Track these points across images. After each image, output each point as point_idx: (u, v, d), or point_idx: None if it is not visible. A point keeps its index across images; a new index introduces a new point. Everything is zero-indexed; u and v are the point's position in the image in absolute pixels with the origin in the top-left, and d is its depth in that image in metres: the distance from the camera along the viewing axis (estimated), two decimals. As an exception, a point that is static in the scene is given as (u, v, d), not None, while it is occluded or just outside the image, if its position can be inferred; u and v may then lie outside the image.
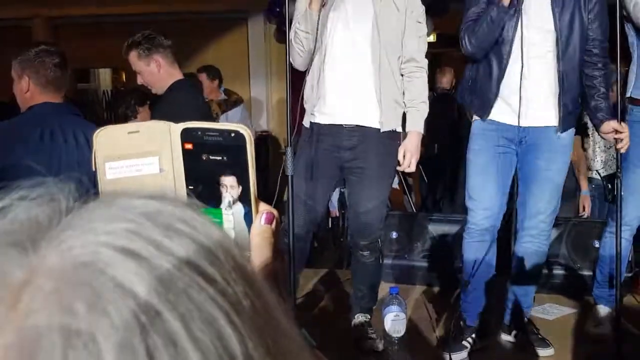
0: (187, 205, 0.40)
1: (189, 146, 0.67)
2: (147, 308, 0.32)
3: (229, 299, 0.35)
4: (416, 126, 3.00)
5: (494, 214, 3.00)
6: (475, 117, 3.05)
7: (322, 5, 2.86)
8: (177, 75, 3.24)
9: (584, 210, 4.62)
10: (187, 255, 0.35)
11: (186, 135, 0.67)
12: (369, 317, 3.29)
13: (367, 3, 2.91)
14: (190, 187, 0.69)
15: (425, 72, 3.03)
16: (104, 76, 11.05)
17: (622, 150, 2.88)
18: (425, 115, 3.03)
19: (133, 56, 3.18)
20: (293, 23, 2.92)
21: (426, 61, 3.03)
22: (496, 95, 2.90)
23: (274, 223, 0.66)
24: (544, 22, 2.84)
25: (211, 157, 0.67)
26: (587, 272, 3.83)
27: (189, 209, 0.39)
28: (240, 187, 0.67)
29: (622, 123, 2.88)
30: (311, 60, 3.00)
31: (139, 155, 0.69)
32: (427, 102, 3.05)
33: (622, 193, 2.93)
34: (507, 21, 2.82)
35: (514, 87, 2.86)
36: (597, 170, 4.57)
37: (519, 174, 3.07)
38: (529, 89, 2.86)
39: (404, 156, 2.97)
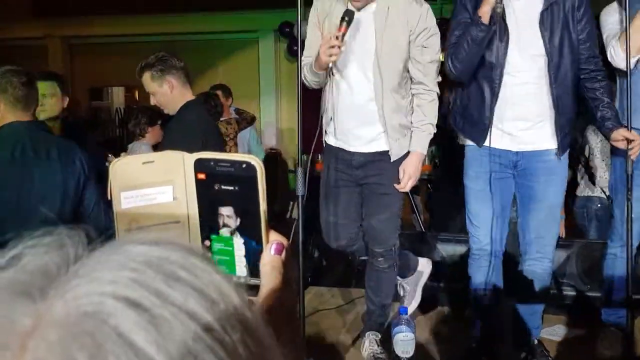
0: (190, 251, 0.41)
1: (201, 176, 0.70)
2: (146, 357, 0.33)
3: (225, 346, 0.36)
4: (418, 147, 3.05)
5: (495, 239, 3.02)
6: (468, 142, 3.06)
7: (327, 68, 2.87)
8: (189, 96, 3.31)
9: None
10: (186, 304, 0.37)
11: (199, 165, 0.69)
12: (379, 335, 3.30)
13: (369, 35, 2.92)
14: (201, 216, 0.71)
15: (434, 94, 3.03)
16: (118, 94, 11.17)
17: (634, 157, 2.88)
18: (431, 136, 3.07)
19: (147, 78, 3.26)
20: (304, 59, 2.94)
21: (435, 85, 3.03)
22: (490, 121, 2.91)
23: (284, 253, 0.68)
24: (533, 47, 2.84)
25: (223, 187, 0.69)
26: (596, 293, 3.81)
27: (191, 255, 0.41)
28: (239, 219, 0.69)
29: (632, 130, 2.88)
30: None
31: (153, 185, 0.71)
32: (434, 123, 3.07)
33: (629, 215, 2.92)
34: (497, 45, 2.83)
35: (507, 112, 2.88)
36: (602, 188, 4.57)
37: (517, 197, 3.08)
38: (522, 114, 2.88)
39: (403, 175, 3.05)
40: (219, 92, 5.93)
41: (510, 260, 3.38)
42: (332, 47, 2.70)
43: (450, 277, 4.12)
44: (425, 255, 4.26)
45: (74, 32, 9.09)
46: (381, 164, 3.06)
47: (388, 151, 3.03)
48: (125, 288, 0.36)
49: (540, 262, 3.05)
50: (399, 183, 3.06)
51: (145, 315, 0.35)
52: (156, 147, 4.50)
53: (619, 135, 2.87)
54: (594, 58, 2.92)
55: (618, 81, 3.15)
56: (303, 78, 2.95)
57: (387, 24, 2.88)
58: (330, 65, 2.81)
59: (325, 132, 3.14)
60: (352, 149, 3.08)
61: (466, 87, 3.00)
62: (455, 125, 3.13)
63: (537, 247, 3.03)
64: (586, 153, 4.62)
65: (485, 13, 2.75)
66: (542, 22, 2.83)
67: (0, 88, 2.62)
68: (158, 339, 0.34)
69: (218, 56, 8.96)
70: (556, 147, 2.93)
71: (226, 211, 0.69)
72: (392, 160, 3.03)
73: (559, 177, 3.00)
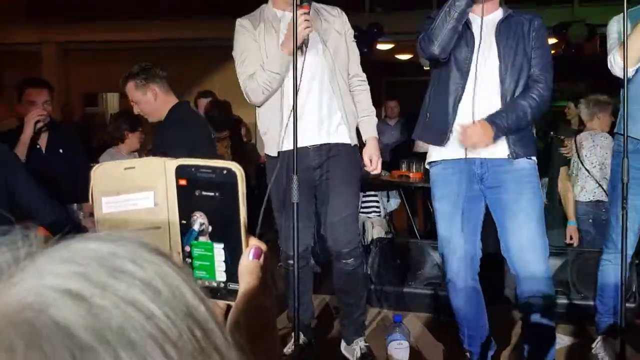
0: (141, 245, 0.42)
1: (183, 182, 0.70)
2: (82, 345, 0.34)
3: (169, 336, 0.37)
4: (373, 132, 3.22)
5: (468, 261, 2.93)
6: (431, 161, 3.03)
7: (299, 47, 2.91)
8: (173, 101, 3.41)
9: (571, 239, 4.63)
10: (128, 294, 0.38)
11: (180, 171, 0.70)
12: (364, 340, 3.29)
13: (314, 35, 3.04)
14: (183, 221, 0.71)
15: (367, 84, 3.27)
16: (112, 100, 11.18)
17: (464, 141, 2.87)
18: (376, 122, 3.25)
19: (130, 87, 3.35)
20: (244, 72, 3.06)
21: (364, 75, 3.26)
22: (451, 124, 2.88)
23: (262, 257, 0.69)
24: (491, 55, 2.87)
25: (204, 193, 0.69)
26: (591, 302, 3.80)
27: (142, 248, 0.41)
28: (212, 225, 0.70)
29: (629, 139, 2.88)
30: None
31: (134, 190, 0.71)
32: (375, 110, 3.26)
33: (624, 223, 2.90)
34: (464, 50, 2.85)
35: (466, 117, 2.87)
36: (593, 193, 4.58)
37: (493, 216, 2.97)
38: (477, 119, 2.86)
39: (370, 160, 3.12)
40: (203, 99, 5.90)
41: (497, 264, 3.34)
42: (306, 20, 2.84)
43: (444, 284, 4.10)
44: (420, 263, 4.26)
45: (69, 37, 9.10)
46: (339, 159, 3.13)
47: (347, 144, 3.14)
48: (67, 280, 0.37)
49: (538, 286, 2.89)
50: (355, 177, 3.21)
51: (83, 304, 0.36)
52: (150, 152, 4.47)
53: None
54: (536, 83, 2.87)
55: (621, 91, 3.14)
56: (253, 88, 3.04)
57: (322, 27, 3.12)
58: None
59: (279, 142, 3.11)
60: (314, 143, 3.09)
61: (433, 98, 2.99)
62: (417, 135, 3.15)
63: (530, 271, 2.86)
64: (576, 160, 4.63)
65: None
66: (498, 31, 2.87)
67: None
68: (95, 326, 0.35)
69: (215, 62, 8.97)
70: (513, 153, 2.88)
71: (201, 217, 0.70)
72: (352, 147, 3.16)
73: (530, 184, 2.90)
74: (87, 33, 8.84)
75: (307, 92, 3.06)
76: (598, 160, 4.49)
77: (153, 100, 3.34)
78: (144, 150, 4.64)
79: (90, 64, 9.43)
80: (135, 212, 0.71)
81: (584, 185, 4.58)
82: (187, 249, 0.72)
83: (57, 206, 3.07)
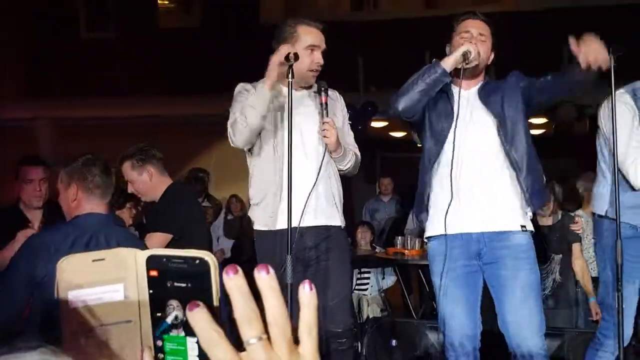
0: None
1: (154, 273, 0.67)
2: None
3: None
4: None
5: (469, 337, 2.87)
6: (429, 236, 2.99)
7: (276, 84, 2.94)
8: (168, 181, 3.45)
9: (597, 315, 4.51)
10: None
11: (151, 262, 0.67)
12: None
13: (314, 112, 3.07)
14: (158, 313, 0.67)
15: (358, 157, 3.22)
16: (107, 176, 11.20)
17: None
18: (348, 164, 3.16)
19: (126, 167, 3.40)
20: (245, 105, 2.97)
21: (359, 154, 3.25)
22: (448, 204, 2.84)
23: None
24: (480, 119, 2.88)
25: (175, 284, 0.66)
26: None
27: None
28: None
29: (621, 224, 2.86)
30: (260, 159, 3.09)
31: (103, 283, 0.68)
32: (354, 164, 3.19)
33: (620, 306, 2.85)
34: (444, 125, 2.86)
35: (463, 195, 2.84)
36: None
37: (490, 292, 2.92)
38: (473, 195, 2.84)
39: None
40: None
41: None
42: (325, 130, 2.93)
43: (441, 366, 4.00)
44: (416, 344, 4.16)
45: (62, 114, 9.21)
46: (333, 241, 3.11)
47: (339, 226, 3.14)
48: None
49: None
50: (348, 261, 3.27)
51: None
52: (140, 227, 4.42)
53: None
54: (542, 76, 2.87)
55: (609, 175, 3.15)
56: (240, 130, 2.93)
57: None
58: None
59: (271, 216, 3.06)
60: (309, 224, 3.02)
61: (429, 182, 2.96)
62: (416, 215, 3.11)
63: (526, 348, 2.78)
64: None
65: (448, 62, 2.80)
66: (480, 96, 2.90)
67: (79, 176, 2.62)
68: None
69: (210, 138, 9.05)
70: (516, 225, 2.85)
71: (177, 308, 0.66)
72: (342, 229, 3.16)
73: (527, 259, 2.85)
74: (83, 109, 8.96)
75: (300, 170, 3.00)
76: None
77: (148, 181, 3.38)
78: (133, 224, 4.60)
79: (84, 140, 9.49)
80: (104, 306, 0.68)
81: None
82: (159, 343, 0.68)
83: None
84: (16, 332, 2.56)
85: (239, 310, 0.59)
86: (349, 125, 3.33)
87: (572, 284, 4.66)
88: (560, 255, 4.65)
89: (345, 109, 3.31)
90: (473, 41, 2.86)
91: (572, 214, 4.66)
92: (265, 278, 0.61)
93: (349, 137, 3.27)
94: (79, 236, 2.52)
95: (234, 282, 0.60)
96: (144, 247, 2.70)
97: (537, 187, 2.88)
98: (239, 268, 0.61)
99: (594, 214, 3.31)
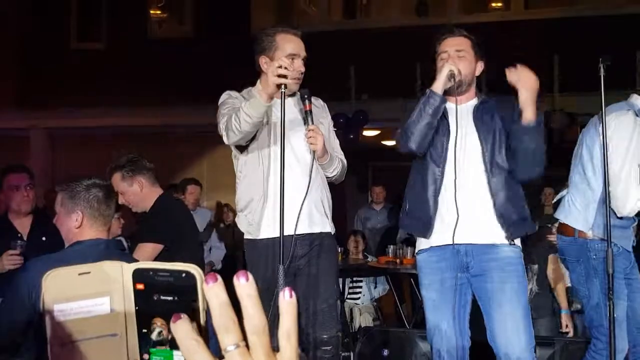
0: None
1: (140, 286, 0.67)
2: None
3: None
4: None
5: (456, 348, 2.88)
6: (419, 249, 3.00)
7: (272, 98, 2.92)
8: (158, 192, 3.44)
9: (566, 327, 4.55)
10: None
11: (138, 275, 0.67)
12: None
13: (299, 120, 3.08)
14: (144, 329, 0.67)
15: (345, 164, 3.22)
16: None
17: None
18: (335, 171, 3.15)
19: (116, 178, 3.36)
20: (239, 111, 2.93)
21: (345, 161, 3.25)
22: (434, 216, 2.87)
23: None
24: (471, 141, 2.89)
25: (162, 297, 0.66)
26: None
27: None
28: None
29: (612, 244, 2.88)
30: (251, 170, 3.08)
31: (90, 296, 0.68)
32: (341, 170, 3.19)
33: (611, 315, 2.86)
34: (441, 140, 2.87)
35: (450, 207, 2.85)
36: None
37: (479, 304, 2.93)
38: (462, 207, 2.84)
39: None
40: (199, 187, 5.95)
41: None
42: (311, 137, 2.90)
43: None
44: (408, 354, 4.15)
45: (56, 124, 9.18)
46: (322, 248, 3.11)
47: (329, 232, 3.14)
48: None
49: None
50: (337, 265, 3.29)
51: None
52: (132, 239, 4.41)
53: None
54: None
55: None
56: (233, 128, 2.89)
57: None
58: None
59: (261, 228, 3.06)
60: (301, 232, 2.98)
61: (412, 188, 2.99)
62: (402, 225, 3.13)
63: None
64: None
65: (438, 86, 2.82)
66: (475, 116, 2.91)
67: (85, 204, 2.52)
68: None
69: (203, 149, 9.05)
70: (504, 239, 2.86)
71: (162, 325, 0.66)
72: (332, 235, 3.16)
73: (515, 273, 2.86)
74: (75, 119, 8.94)
75: (291, 178, 2.99)
76: None
77: (139, 192, 3.36)
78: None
79: (78, 150, 9.49)
80: (90, 320, 0.68)
81: None
82: (146, 357, 0.68)
83: None
84: (16, 344, 2.56)
85: (217, 318, 0.60)
86: (334, 132, 3.34)
87: (549, 293, 4.71)
88: (537, 265, 4.69)
89: (331, 120, 3.32)
90: (450, 61, 2.88)
91: (549, 225, 4.69)
92: (244, 285, 0.62)
93: (334, 144, 3.29)
94: (82, 262, 2.48)
95: (213, 290, 0.61)
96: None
97: (515, 218, 2.88)
98: (218, 277, 0.62)
99: (568, 229, 3.28)
